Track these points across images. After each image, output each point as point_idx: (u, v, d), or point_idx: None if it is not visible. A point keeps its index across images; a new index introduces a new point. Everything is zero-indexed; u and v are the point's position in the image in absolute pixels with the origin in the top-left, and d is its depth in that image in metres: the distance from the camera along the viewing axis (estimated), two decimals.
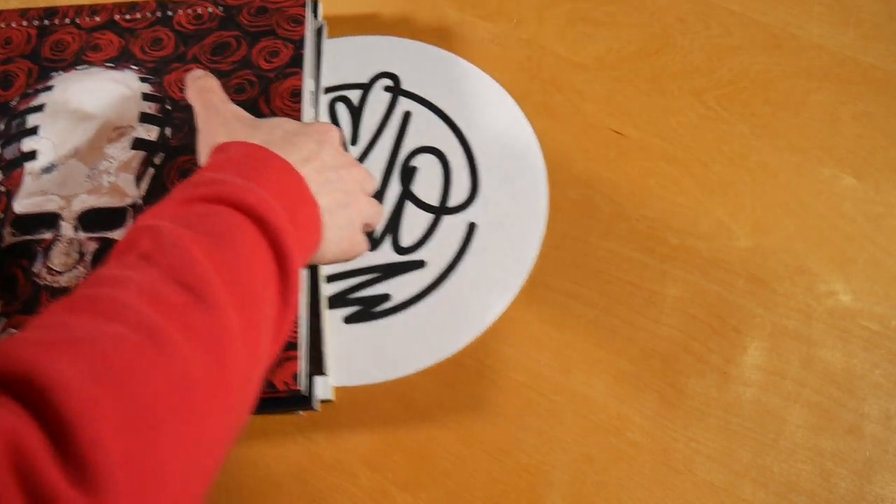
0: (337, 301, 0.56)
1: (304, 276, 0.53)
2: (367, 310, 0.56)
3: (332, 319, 0.56)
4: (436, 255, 0.57)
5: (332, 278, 0.57)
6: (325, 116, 0.65)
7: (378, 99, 0.65)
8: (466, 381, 0.54)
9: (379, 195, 0.60)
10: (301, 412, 0.53)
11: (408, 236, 0.58)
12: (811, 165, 0.61)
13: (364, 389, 0.54)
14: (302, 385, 0.49)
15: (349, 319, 0.56)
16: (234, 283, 0.37)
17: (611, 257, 0.57)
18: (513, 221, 0.59)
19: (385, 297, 0.56)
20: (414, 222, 0.59)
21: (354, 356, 0.54)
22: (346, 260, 0.51)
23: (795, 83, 0.64)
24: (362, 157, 0.62)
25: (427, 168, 0.61)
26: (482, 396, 0.53)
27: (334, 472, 0.52)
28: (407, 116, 0.64)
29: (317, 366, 0.53)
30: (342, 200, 0.48)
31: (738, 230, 0.58)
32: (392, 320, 0.55)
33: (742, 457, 0.50)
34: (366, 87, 0.66)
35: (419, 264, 0.57)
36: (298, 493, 0.51)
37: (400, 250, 0.58)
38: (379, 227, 0.58)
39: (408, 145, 0.62)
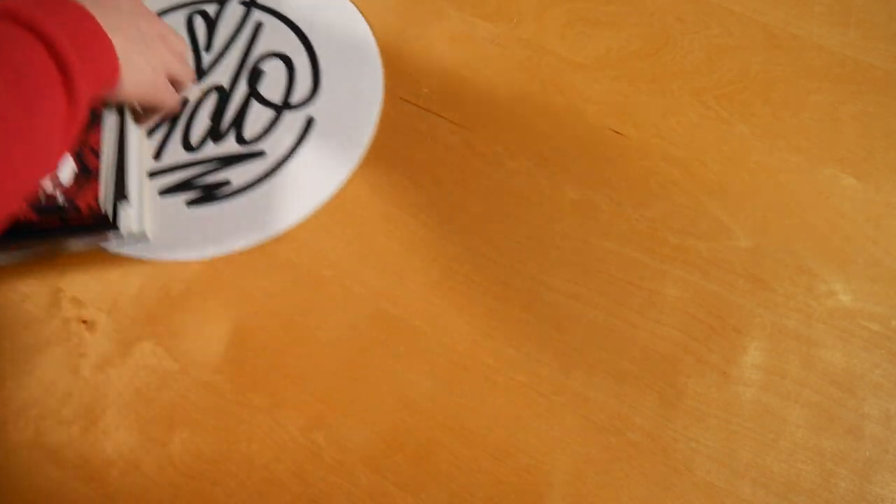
0: (180, 187, 0.63)
1: (110, 115, 0.59)
2: (209, 194, 0.62)
3: (175, 203, 0.62)
4: (276, 145, 0.64)
5: (175, 168, 0.64)
6: (182, 29, 0.70)
7: (233, 12, 0.72)
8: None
9: (227, 96, 0.67)
10: (111, 237, 0.58)
11: (250, 130, 0.65)
12: (811, 165, 0.61)
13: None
14: (105, 208, 0.55)
15: (191, 203, 0.62)
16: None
17: (611, 257, 0.57)
18: (348, 115, 0.66)
19: (225, 183, 0.62)
20: (257, 118, 0.65)
21: (197, 235, 0.61)
22: (155, 106, 0.57)
23: (795, 83, 0.64)
24: (214, 63, 0.69)
25: (273, 71, 0.68)
26: (482, 396, 0.53)
27: (334, 472, 0.52)
28: (259, 27, 0.70)
29: (120, 192, 0.57)
30: (140, 46, 0.53)
31: (738, 230, 0.58)
32: (231, 202, 0.62)
33: (742, 457, 0.50)
34: (222, 1, 0.72)
35: (259, 154, 0.63)
36: (298, 493, 0.51)
37: (242, 142, 0.64)
38: (226, 122, 0.65)
39: (257, 52, 0.69)
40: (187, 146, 0.64)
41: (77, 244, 0.60)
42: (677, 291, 0.56)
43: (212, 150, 0.64)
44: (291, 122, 0.65)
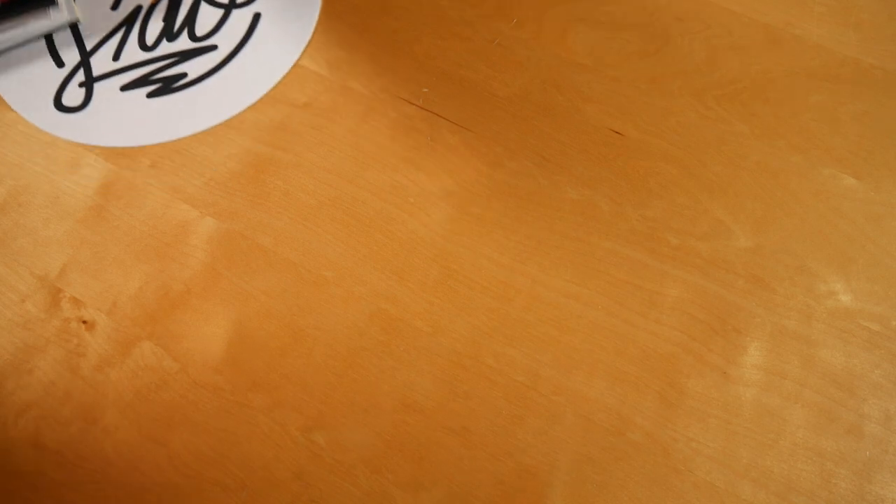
0: (140, 82, 0.69)
1: None
2: (167, 86, 0.69)
3: (136, 97, 0.69)
4: (226, 40, 0.71)
5: (134, 66, 0.70)
6: None
7: None
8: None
9: (177, 2, 0.73)
10: (50, 15, 0.67)
11: (202, 28, 0.72)
12: (811, 165, 0.61)
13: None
14: None
15: (151, 95, 0.69)
16: None
17: (611, 257, 0.57)
18: (292, 8, 0.72)
19: (182, 76, 0.70)
20: (208, 18, 0.72)
21: (158, 122, 0.67)
22: None
23: (795, 83, 0.64)
24: None
25: None
26: (482, 397, 0.53)
27: (334, 472, 0.52)
28: None
29: None
30: None
31: (738, 230, 0.58)
32: (189, 92, 0.69)
33: (742, 457, 0.50)
34: None
35: (212, 48, 0.71)
36: (298, 494, 0.51)
37: (195, 38, 0.72)
38: (178, 23, 0.73)
39: None
40: (143, 46, 0.71)
41: (22, 34, 0.68)
42: (677, 291, 0.56)
43: (167, 48, 0.71)
44: (240, 18, 0.72)
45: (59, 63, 0.71)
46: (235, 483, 0.52)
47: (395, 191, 0.61)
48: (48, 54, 0.71)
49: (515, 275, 0.57)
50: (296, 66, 0.68)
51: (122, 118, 0.68)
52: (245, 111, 0.67)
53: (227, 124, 0.66)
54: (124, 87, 0.69)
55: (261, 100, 0.68)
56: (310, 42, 0.69)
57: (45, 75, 0.70)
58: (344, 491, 0.51)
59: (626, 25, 0.68)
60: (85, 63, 0.71)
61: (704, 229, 0.58)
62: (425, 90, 0.66)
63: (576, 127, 0.63)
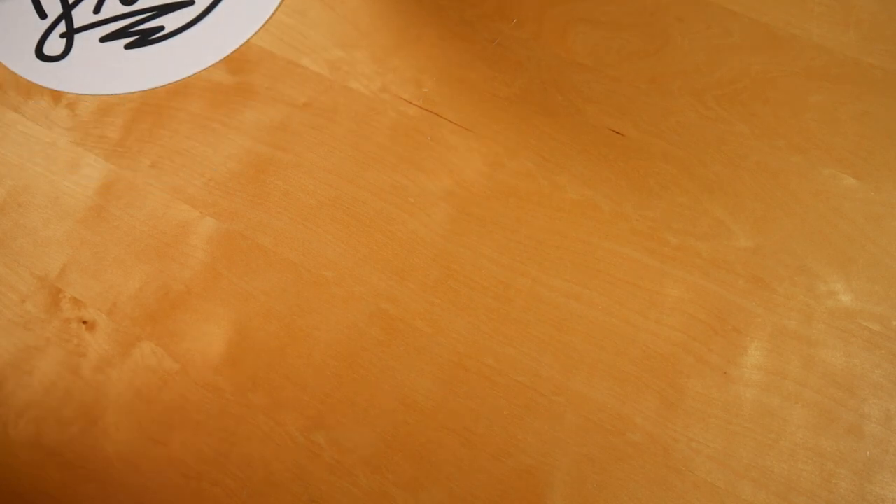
0: (119, 34, 0.74)
1: None
2: (144, 38, 0.73)
3: (114, 47, 0.73)
4: None
5: (111, 20, 0.74)
6: None
7: None
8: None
9: None
10: None
11: None
12: (811, 165, 0.61)
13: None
14: None
15: (128, 46, 0.73)
16: None
17: (611, 257, 0.57)
18: None
19: (160, 28, 0.74)
20: None
21: (134, 72, 0.72)
22: None
23: (795, 83, 0.64)
24: None
25: None
26: (482, 396, 0.53)
27: (334, 472, 0.52)
28: None
29: None
30: None
31: (738, 230, 0.58)
32: (165, 44, 0.73)
33: (742, 457, 0.50)
34: None
35: (189, 3, 0.74)
36: (298, 494, 0.51)
37: None
38: None
39: None
40: (124, 0, 0.75)
41: None
42: (678, 292, 0.56)
43: (146, 2, 0.75)
44: None
45: (42, 15, 0.75)
46: (235, 483, 0.52)
47: (395, 191, 0.61)
48: (32, 6, 0.75)
49: (515, 275, 0.57)
50: (292, 63, 0.68)
51: (100, 68, 0.72)
52: (245, 111, 0.67)
53: (227, 124, 0.66)
54: (103, 39, 0.73)
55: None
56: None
57: (28, 26, 0.75)
58: (344, 491, 0.51)
59: (626, 25, 0.68)
60: (67, 15, 0.75)
61: (704, 229, 0.58)
62: (425, 90, 0.66)
63: (576, 127, 0.63)
